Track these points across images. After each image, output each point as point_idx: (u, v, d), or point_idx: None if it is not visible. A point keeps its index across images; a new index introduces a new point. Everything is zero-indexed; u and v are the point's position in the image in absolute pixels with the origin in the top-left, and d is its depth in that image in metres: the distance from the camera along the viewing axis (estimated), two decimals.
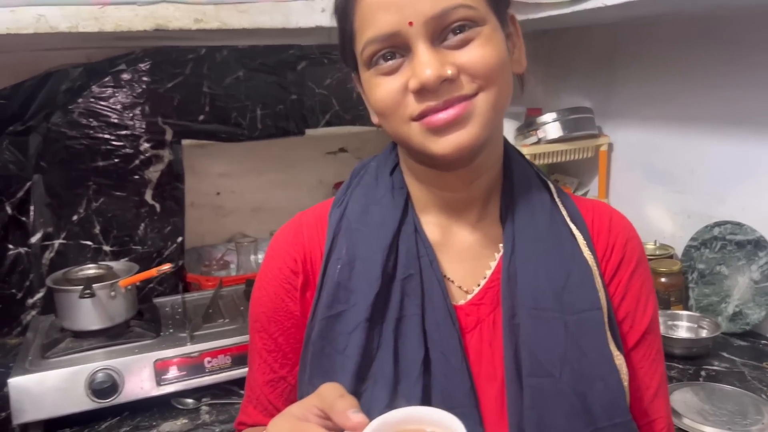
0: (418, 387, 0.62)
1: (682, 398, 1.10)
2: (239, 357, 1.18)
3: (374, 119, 0.68)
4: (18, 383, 1.06)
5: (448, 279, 0.69)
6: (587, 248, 0.68)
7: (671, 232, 1.51)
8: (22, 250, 1.44)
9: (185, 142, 1.58)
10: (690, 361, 1.23)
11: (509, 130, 1.65)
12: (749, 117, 1.32)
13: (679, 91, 1.46)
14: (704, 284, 1.39)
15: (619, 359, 0.65)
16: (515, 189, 0.70)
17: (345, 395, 0.52)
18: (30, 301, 1.45)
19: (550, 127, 1.58)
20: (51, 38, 1.11)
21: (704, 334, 1.28)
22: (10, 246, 1.43)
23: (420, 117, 0.60)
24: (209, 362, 1.17)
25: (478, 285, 0.69)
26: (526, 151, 1.56)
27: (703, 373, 1.19)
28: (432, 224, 0.70)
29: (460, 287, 0.69)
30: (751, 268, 1.31)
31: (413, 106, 0.60)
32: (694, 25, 1.40)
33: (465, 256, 0.70)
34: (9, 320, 1.45)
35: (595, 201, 0.76)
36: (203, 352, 1.17)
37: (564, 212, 0.70)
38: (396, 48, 0.60)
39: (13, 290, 1.44)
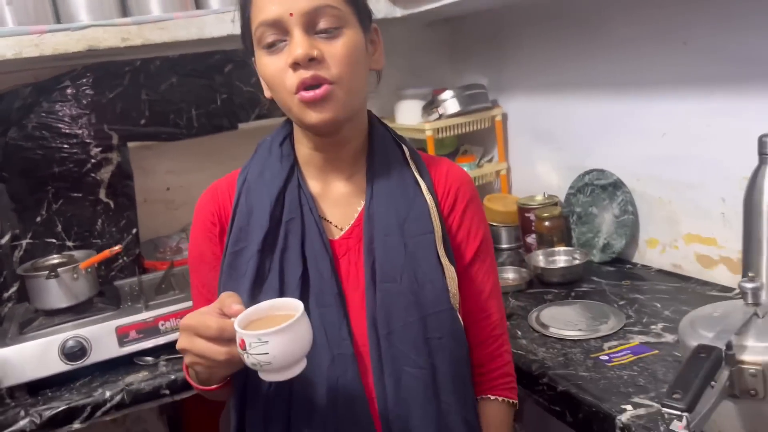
0: (296, 294, 0.84)
1: (552, 313, 1.35)
2: None
3: (267, 93, 0.88)
4: (2, 353, 1.26)
5: (327, 220, 0.92)
6: (428, 192, 0.92)
7: (557, 184, 1.77)
8: None
9: (131, 144, 1.78)
10: (565, 286, 1.48)
11: (416, 108, 1.88)
12: (604, 81, 1.57)
13: (552, 63, 1.71)
14: (581, 224, 1.65)
15: (449, 269, 0.89)
16: (375, 151, 0.93)
17: (233, 295, 0.74)
18: (5, 294, 1.65)
19: (449, 103, 1.82)
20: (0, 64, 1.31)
21: (576, 263, 1.54)
22: None
23: (297, 90, 0.79)
24: (163, 325, 1.39)
25: (349, 223, 0.92)
26: (429, 126, 1.80)
27: (573, 293, 1.44)
28: (315, 179, 0.93)
29: (336, 226, 0.92)
30: (612, 206, 1.57)
31: (292, 79, 0.79)
32: (560, 7, 1.64)
33: (340, 203, 0.93)
34: None
35: (440, 158, 1.01)
36: (157, 317, 1.39)
37: (413, 166, 0.94)
38: (280, 32, 0.80)
39: None
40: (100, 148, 1.73)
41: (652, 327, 1.22)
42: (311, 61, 0.78)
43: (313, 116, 0.81)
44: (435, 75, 2.12)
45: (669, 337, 1.16)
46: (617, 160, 1.56)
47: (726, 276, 1.35)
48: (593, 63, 1.59)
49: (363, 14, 0.86)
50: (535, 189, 1.79)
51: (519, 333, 1.28)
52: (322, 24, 0.80)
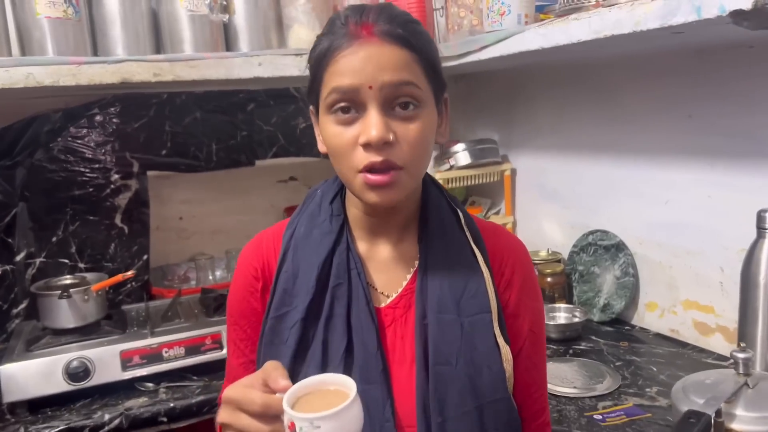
0: (341, 368, 0.79)
1: (549, 369, 1.36)
2: (192, 347, 1.43)
3: (321, 148, 0.83)
4: (7, 369, 1.29)
5: (372, 286, 0.86)
6: (484, 264, 0.85)
7: (561, 241, 1.80)
8: (8, 267, 1.68)
9: (150, 173, 1.84)
10: (563, 343, 1.50)
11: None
12: (611, 146, 1.62)
13: (562, 125, 1.77)
14: (583, 282, 1.68)
15: (505, 349, 0.82)
16: (429, 216, 0.87)
17: (279, 367, 0.69)
18: (14, 311, 1.69)
19: (461, 155, 1.87)
20: (35, 89, 1.37)
21: (576, 320, 1.56)
22: None
23: (364, 170, 0.74)
24: (167, 352, 1.42)
25: (396, 292, 0.86)
26: (440, 176, 1.86)
27: (571, 351, 1.46)
28: (363, 241, 0.87)
29: (382, 293, 0.86)
30: (614, 267, 1.60)
31: (360, 158, 0.74)
32: (571, 72, 1.71)
33: (387, 268, 0.87)
34: None
35: (496, 225, 0.94)
36: (162, 343, 1.41)
37: (468, 235, 0.87)
38: (353, 104, 0.74)
39: (0, 302, 1.68)
40: (120, 175, 1.79)
41: (647, 390, 1.24)
42: (384, 144, 0.74)
43: (375, 198, 0.76)
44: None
45: (662, 401, 1.18)
46: (621, 222, 1.60)
47: (722, 345, 1.37)
48: (601, 128, 1.64)
49: (439, 90, 0.81)
50: (540, 244, 1.83)
51: None
52: (400, 101, 0.75)
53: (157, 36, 1.54)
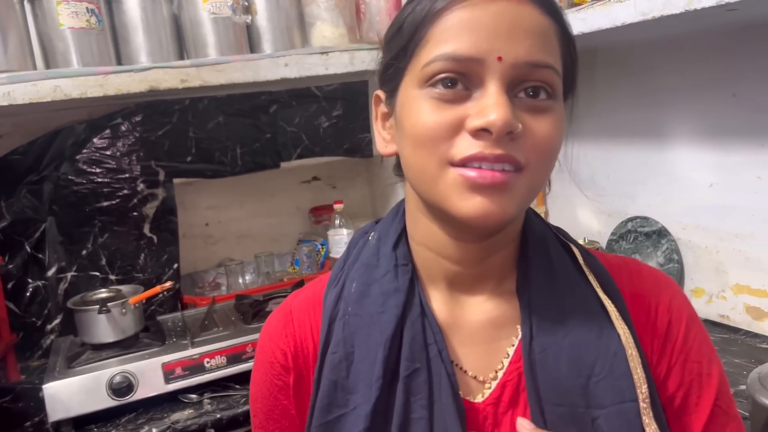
0: None
1: None
2: (233, 356, 1.41)
3: (383, 149, 0.62)
4: (51, 387, 1.27)
5: (460, 368, 0.61)
6: (620, 320, 0.59)
7: (597, 230, 1.77)
8: (39, 283, 1.66)
9: (176, 180, 1.81)
10: None
11: None
12: (647, 129, 1.58)
13: (594, 109, 1.73)
14: None
15: None
16: (532, 258, 0.62)
17: None
18: (48, 327, 1.67)
19: None
20: (61, 102, 1.35)
21: None
22: (29, 280, 1.65)
23: (462, 163, 0.53)
24: (208, 362, 1.40)
25: (495, 375, 0.60)
26: None
27: None
28: (441, 301, 0.62)
29: (474, 377, 0.60)
30: (657, 254, 1.56)
31: (461, 147, 0.52)
32: (605, 54, 1.66)
33: (479, 339, 0.61)
34: (31, 345, 1.66)
35: (628, 260, 0.67)
36: (203, 354, 1.39)
37: (592, 279, 0.62)
38: (465, 77, 0.53)
39: (33, 318, 1.66)
40: (146, 184, 1.77)
41: None
42: (507, 134, 0.52)
43: (475, 204, 0.53)
44: None
45: None
46: (661, 208, 1.56)
47: None
48: (637, 111, 1.60)
49: (570, 87, 0.60)
50: (575, 234, 1.77)
51: None
52: (530, 86, 0.54)
53: (181, 41, 1.51)
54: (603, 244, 1.72)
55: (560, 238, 0.66)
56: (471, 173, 0.52)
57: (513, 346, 0.61)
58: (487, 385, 0.60)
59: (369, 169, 2.20)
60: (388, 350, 0.57)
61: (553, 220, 1.94)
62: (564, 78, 0.57)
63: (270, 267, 1.94)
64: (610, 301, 0.60)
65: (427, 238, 0.61)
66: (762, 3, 0.93)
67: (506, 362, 0.60)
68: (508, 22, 0.52)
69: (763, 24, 1.24)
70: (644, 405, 0.55)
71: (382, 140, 0.63)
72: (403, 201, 0.66)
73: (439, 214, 0.58)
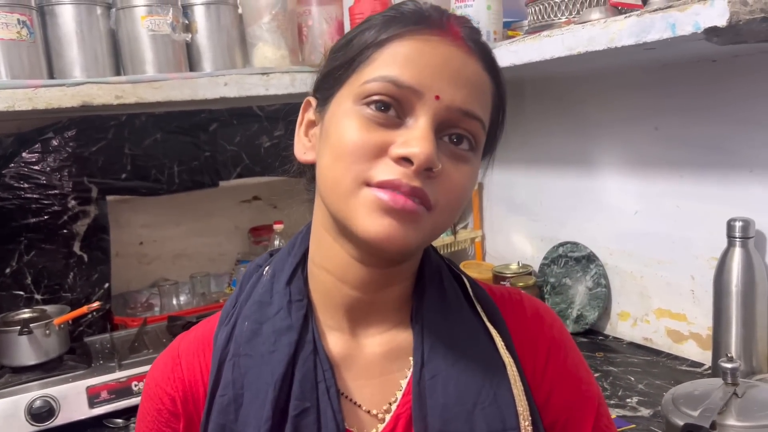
0: None
1: None
2: None
3: (301, 155, 0.63)
4: None
5: (354, 403, 0.60)
6: (505, 350, 0.61)
7: (531, 254, 1.82)
8: None
9: (110, 198, 1.77)
10: None
11: None
12: (578, 159, 1.65)
13: (527, 139, 1.79)
14: (555, 294, 1.69)
15: None
16: (427, 289, 0.63)
17: None
18: None
19: None
20: None
21: None
22: None
23: (378, 186, 0.53)
24: (136, 386, 1.35)
25: (389, 408, 0.60)
26: None
27: None
28: (336, 335, 0.62)
29: (368, 411, 0.60)
30: (586, 278, 1.62)
31: (380, 171, 0.53)
32: (537, 86, 1.73)
33: (374, 372, 0.61)
34: None
35: (511, 290, 0.70)
36: (131, 377, 1.35)
37: (480, 309, 0.64)
38: (400, 104, 0.54)
39: None
40: (78, 201, 1.71)
41: (628, 400, 1.25)
42: (427, 170, 0.53)
43: (383, 225, 0.53)
44: None
45: (644, 411, 1.19)
46: (590, 233, 1.62)
47: (695, 351, 1.40)
48: (568, 141, 1.67)
49: (490, 146, 0.63)
50: (509, 258, 1.84)
51: None
52: (456, 134, 0.56)
53: (117, 57, 1.48)
54: (536, 267, 1.77)
55: (453, 270, 0.67)
56: (384, 196, 0.53)
57: (406, 378, 0.61)
58: (381, 419, 0.60)
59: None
60: (278, 390, 0.57)
61: (489, 244, 1.99)
62: (487, 136, 0.60)
63: (206, 288, 1.90)
64: (496, 331, 0.62)
65: (328, 260, 0.61)
66: (675, 45, 1.00)
67: (399, 395, 0.61)
68: (453, 67, 0.55)
69: (680, 63, 1.33)
70: (526, 430, 0.57)
71: (302, 146, 0.63)
72: (309, 224, 0.66)
73: (344, 231, 0.58)
